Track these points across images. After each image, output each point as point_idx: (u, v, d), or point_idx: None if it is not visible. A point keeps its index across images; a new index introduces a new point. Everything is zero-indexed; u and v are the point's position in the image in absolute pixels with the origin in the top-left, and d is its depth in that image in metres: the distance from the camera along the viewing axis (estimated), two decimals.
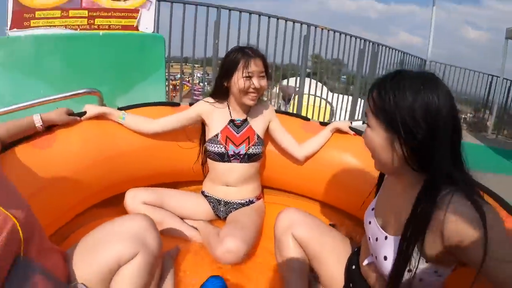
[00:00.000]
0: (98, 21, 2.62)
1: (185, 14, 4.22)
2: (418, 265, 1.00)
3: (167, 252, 1.68)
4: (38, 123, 1.72)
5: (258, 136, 2.02)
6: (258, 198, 2.10)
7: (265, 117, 2.08)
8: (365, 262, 1.25)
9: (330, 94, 6.60)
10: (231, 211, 2.03)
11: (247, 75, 1.87)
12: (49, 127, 1.79)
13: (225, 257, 1.66)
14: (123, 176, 2.02)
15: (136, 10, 2.70)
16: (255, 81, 1.88)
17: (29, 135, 1.69)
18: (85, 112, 1.93)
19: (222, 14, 4.57)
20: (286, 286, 1.53)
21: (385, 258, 1.08)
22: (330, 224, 1.81)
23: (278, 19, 5.20)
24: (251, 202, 2.05)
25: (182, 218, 2.00)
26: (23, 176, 1.54)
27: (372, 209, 1.25)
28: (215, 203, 2.06)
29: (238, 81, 1.89)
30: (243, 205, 2.04)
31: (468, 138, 7.14)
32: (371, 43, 6.54)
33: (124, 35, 2.68)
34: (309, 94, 5.98)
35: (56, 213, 1.71)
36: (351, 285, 1.35)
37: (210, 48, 4.67)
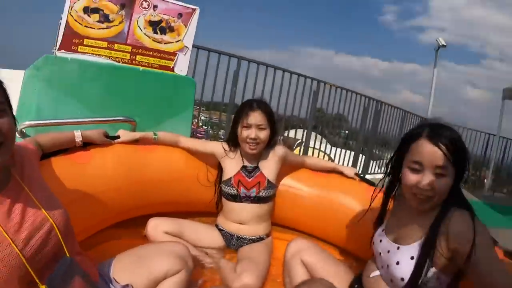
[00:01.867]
0: (139, 57, 2.85)
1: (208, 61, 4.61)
2: (427, 272, 1.30)
3: (193, 281, 1.81)
4: (78, 139, 1.92)
5: (269, 181, 2.17)
6: (268, 235, 2.23)
7: (277, 163, 2.25)
8: (372, 275, 1.52)
9: (332, 148, 6.81)
10: (242, 246, 2.14)
11: (245, 125, 2.07)
12: (86, 144, 1.98)
13: None
14: (146, 200, 2.22)
15: (174, 53, 2.94)
16: (252, 132, 2.06)
17: (66, 148, 1.86)
18: (118, 136, 2.13)
19: (242, 64, 4.92)
20: None
21: (398, 263, 1.37)
22: None
23: (291, 73, 5.49)
24: (261, 238, 2.18)
25: (197, 246, 2.11)
26: (59, 185, 1.67)
27: (383, 230, 1.55)
28: (228, 236, 2.18)
29: (239, 130, 2.11)
30: (254, 241, 2.16)
31: (466, 195, 7.38)
32: (374, 101, 6.83)
33: (160, 74, 2.86)
34: (314, 148, 6.18)
35: (84, 224, 1.82)
36: None
37: (227, 94, 4.99)
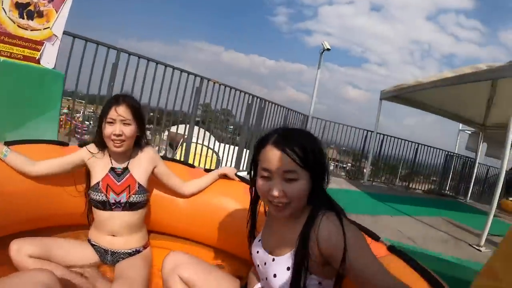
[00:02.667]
0: (0, 46, 2.51)
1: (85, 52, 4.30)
2: (306, 279, 1.29)
3: None
4: None
5: (140, 185, 2.04)
6: (145, 247, 2.10)
7: (147, 165, 2.11)
8: (256, 287, 1.51)
9: (217, 143, 6.90)
10: (118, 260, 2.00)
11: (109, 121, 1.93)
12: None
13: None
14: (8, 216, 1.88)
15: (41, 43, 2.65)
16: (116, 128, 1.93)
17: None
18: None
19: (121, 56, 4.72)
20: None
21: (275, 275, 1.35)
22: (218, 265, 2.00)
23: (174, 69, 5.44)
24: (138, 251, 2.05)
25: (69, 267, 1.90)
26: None
27: (259, 241, 1.53)
28: (102, 252, 2.01)
29: (103, 126, 1.95)
30: (130, 254, 2.02)
31: (348, 186, 8.42)
32: (258, 99, 7.06)
33: (25, 66, 2.54)
34: (196, 143, 6.17)
35: None
36: None
37: (104, 88, 4.74)
